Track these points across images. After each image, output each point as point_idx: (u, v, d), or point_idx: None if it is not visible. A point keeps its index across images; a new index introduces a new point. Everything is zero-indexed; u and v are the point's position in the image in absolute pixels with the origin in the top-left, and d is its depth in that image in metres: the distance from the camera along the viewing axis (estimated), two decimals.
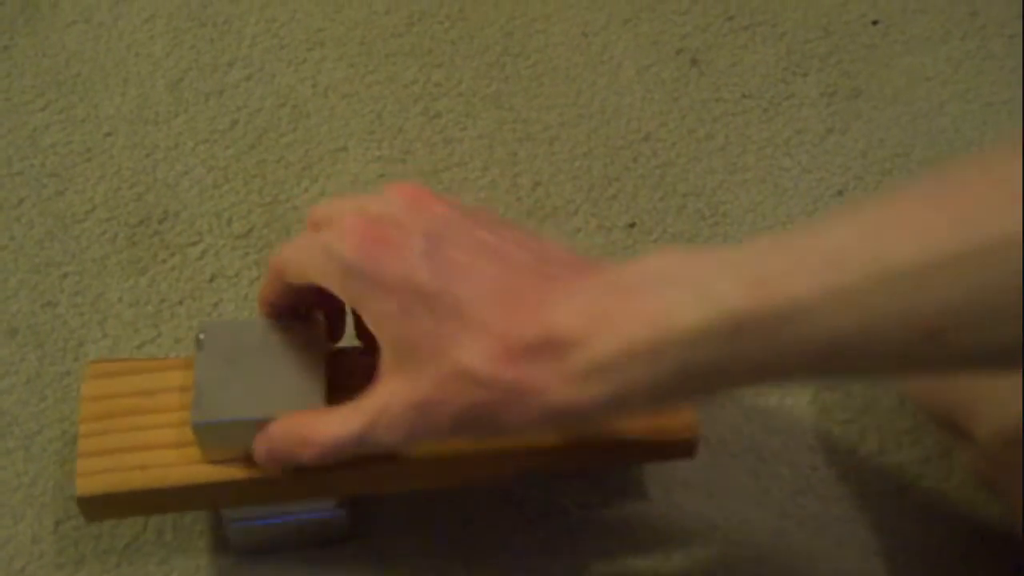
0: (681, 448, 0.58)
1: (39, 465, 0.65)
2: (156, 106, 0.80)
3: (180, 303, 0.71)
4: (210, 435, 0.54)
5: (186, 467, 0.56)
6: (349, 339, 0.59)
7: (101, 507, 0.56)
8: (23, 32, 0.83)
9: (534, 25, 0.84)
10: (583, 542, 0.63)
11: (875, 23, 0.85)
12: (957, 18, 0.85)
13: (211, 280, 0.72)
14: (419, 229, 0.49)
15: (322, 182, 0.76)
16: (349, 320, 0.59)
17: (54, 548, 0.62)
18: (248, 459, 0.55)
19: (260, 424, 0.53)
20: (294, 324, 0.56)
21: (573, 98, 0.81)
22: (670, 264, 0.45)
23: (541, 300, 0.47)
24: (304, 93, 0.81)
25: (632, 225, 0.75)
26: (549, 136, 0.79)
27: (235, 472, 0.55)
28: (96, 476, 0.55)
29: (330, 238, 0.50)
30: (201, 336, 0.56)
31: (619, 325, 0.44)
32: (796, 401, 0.68)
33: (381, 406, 0.49)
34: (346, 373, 0.55)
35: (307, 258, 0.52)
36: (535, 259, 0.49)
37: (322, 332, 0.57)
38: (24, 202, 0.75)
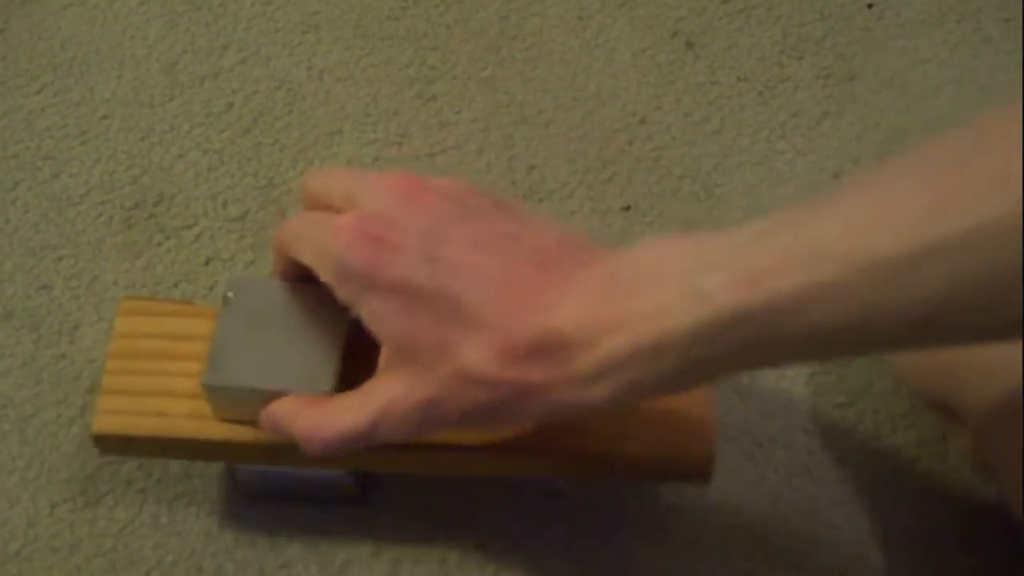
0: (696, 476, 0.57)
1: (34, 448, 0.65)
2: (151, 89, 0.80)
3: (175, 286, 0.71)
4: (219, 397, 0.55)
5: (198, 421, 0.56)
6: None
7: (114, 446, 0.58)
8: (18, 15, 0.83)
9: (529, 8, 0.84)
10: (579, 525, 0.63)
11: (870, 6, 0.85)
12: (952, 1, 0.85)
13: (206, 263, 0.72)
14: (414, 227, 0.49)
15: (317, 165, 0.76)
16: None
17: (49, 531, 0.62)
18: (258, 423, 0.55)
19: (267, 398, 0.53)
20: (323, 286, 0.54)
21: (568, 81, 0.81)
22: (663, 258, 0.45)
23: (541, 295, 0.47)
24: (299, 76, 0.80)
25: (627, 208, 0.75)
26: (544, 119, 0.79)
27: (244, 433, 0.56)
28: (113, 416, 0.57)
29: (324, 237, 0.50)
30: (229, 294, 0.56)
31: (623, 327, 0.44)
32: (792, 384, 0.68)
33: (385, 404, 0.49)
34: (369, 338, 0.54)
35: (305, 247, 0.52)
36: (532, 248, 0.49)
37: None
38: (19, 185, 0.75)
